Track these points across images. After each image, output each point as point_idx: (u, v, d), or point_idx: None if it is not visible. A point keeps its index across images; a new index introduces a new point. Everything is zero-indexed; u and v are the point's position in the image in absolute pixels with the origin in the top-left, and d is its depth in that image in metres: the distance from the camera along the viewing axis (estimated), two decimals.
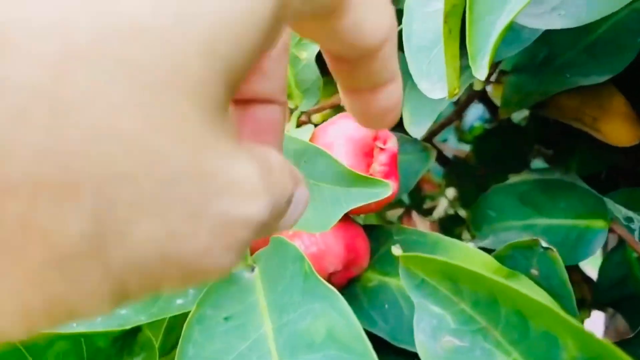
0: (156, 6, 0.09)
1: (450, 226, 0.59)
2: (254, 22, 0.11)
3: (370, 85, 0.18)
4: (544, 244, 0.33)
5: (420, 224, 0.45)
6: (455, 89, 0.25)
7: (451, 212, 0.63)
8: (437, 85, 0.27)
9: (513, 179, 0.45)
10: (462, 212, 0.69)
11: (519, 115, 0.62)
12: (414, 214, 0.44)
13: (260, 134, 0.19)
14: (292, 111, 0.38)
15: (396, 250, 0.23)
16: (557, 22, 0.25)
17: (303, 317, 0.22)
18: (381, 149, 0.32)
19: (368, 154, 0.31)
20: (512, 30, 0.30)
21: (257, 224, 0.11)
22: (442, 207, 0.70)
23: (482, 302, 0.22)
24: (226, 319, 0.25)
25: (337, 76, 0.18)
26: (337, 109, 0.52)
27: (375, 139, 0.31)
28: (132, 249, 0.09)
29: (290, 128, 0.36)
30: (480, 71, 0.23)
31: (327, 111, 0.51)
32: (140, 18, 0.09)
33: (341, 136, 0.31)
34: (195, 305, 0.25)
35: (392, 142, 0.32)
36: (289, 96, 0.38)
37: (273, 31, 0.12)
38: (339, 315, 0.22)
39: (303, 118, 0.39)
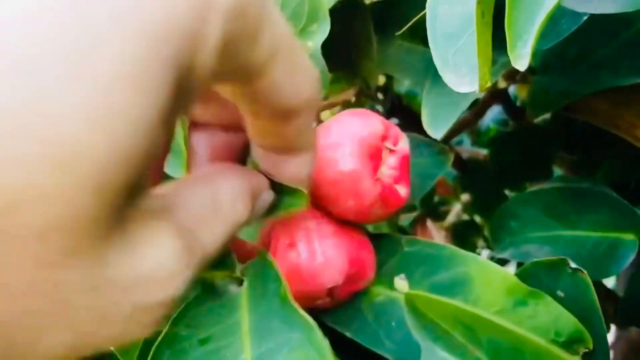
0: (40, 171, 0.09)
1: (464, 234, 0.54)
2: (144, 140, 0.10)
3: (282, 147, 0.18)
4: (573, 265, 0.29)
5: (436, 234, 0.40)
6: (487, 81, 0.21)
7: (465, 218, 0.59)
8: (465, 79, 0.23)
9: (536, 186, 0.40)
10: (477, 219, 0.65)
11: (540, 117, 0.58)
12: (429, 223, 0.40)
13: (218, 159, 0.20)
14: None
15: (400, 283, 0.19)
16: (609, 6, 0.21)
17: (281, 348, 0.19)
18: (391, 150, 0.27)
19: (376, 156, 0.27)
20: (549, 19, 0.26)
21: (175, 298, 0.12)
22: (455, 212, 0.66)
23: (503, 352, 0.17)
24: (201, 341, 0.21)
25: (250, 130, 0.18)
26: (349, 106, 0.47)
27: (385, 138, 0.27)
28: (41, 354, 0.10)
29: None
30: (521, 60, 0.19)
31: (337, 108, 0.47)
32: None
33: (346, 136, 0.26)
34: (169, 324, 0.21)
35: (403, 143, 0.28)
36: None
37: (178, 105, 0.11)
38: (315, 352, 0.18)
39: None
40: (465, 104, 0.32)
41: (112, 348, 0.22)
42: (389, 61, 0.39)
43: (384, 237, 0.31)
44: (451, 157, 0.36)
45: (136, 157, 0.10)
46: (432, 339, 0.19)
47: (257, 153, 0.19)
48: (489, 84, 0.22)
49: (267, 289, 0.21)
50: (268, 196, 0.18)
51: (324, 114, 0.44)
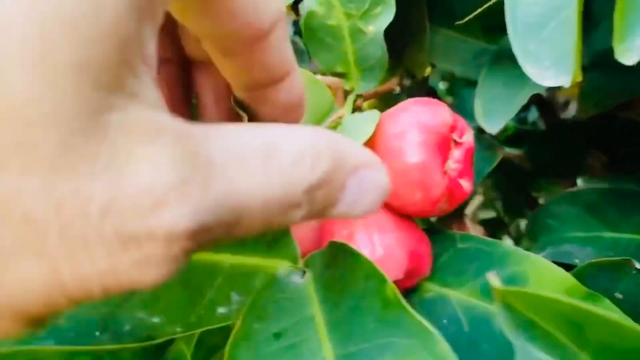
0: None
1: (491, 230, 0.54)
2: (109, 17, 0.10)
3: (267, 78, 0.16)
4: (638, 265, 0.28)
5: (472, 229, 0.40)
6: (579, 74, 0.20)
7: (489, 215, 0.58)
8: (548, 71, 0.22)
9: (580, 186, 0.39)
10: (491, 215, 0.64)
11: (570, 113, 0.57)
12: (467, 219, 0.39)
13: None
14: (347, 94, 0.33)
15: (493, 279, 0.18)
16: None
17: (379, 352, 0.17)
18: (456, 142, 0.26)
19: (444, 147, 0.26)
20: None
21: (185, 234, 0.10)
22: (472, 207, 0.65)
23: (616, 355, 0.16)
24: (276, 335, 0.20)
25: (230, 74, 0.17)
26: (385, 98, 0.46)
27: (453, 129, 0.26)
28: (11, 288, 0.09)
29: (345, 114, 0.31)
30: (630, 54, 0.17)
31: (373, 100, 0.46)
32: None
33: (414, 124, 0.25)
34: (242, 316, 0.20)
35: (468, 135, 0.27)
36: (345, 76, 0.32)
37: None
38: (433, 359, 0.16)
39: (357, 102, 0.34)
40: (522, 99, 0.31)
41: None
42: (436, 52, 0.37)
43: (437, 232, 0.30)
44: (501, 153, 0.35)
45: (103, 32, 0.09)
46: (527, 338, 0.18)
47: (240, 95, 0.18)
48: (579, 78, 0.21)
49: (352, 286, 0.20)
50: (378, 176, 0.14)
51: (364, 103, 0.42)
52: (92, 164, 0.09)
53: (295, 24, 0.45)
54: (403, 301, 0.17)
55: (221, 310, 0.21)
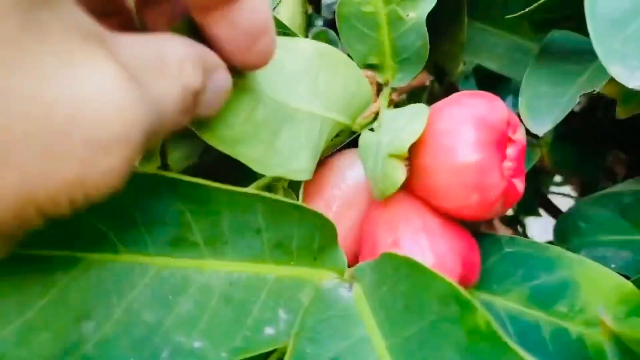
0: None
1: (514, 230, 0.51)
2: None
3: None
4: None
5: (501, 230, 0.37)
6: None
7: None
8: (636, 72, 0.19)
9: (615, 187, 0.37)
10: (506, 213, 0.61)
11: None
12: (496, 220, 0.36)
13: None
14: (381, 86, 0.30)
15: (605, 317, 0.14)
16: None
17: None
18: (509, 139, 0.23)
19: (502, 145, 0.23)
20: None
21: (133, 140, 0.11)
22: None
23: None
24: None
25: None
26: (413, 95, 0.43)
27: (508, 125, 0.23)
28: None
29: (380, 108, 0.28)
30: None
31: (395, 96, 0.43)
32: None
33: (469, 120, 0.22)
34: (293, 338, 0.17)
35: (521, 132, 0.24)
36: (379, 68, 0.29)
37: None
38: None
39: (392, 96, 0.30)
40: (573, 96, 0.28)
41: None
42: (469, 46, 0.34)
43: (481, 235, 0.27)
44: (539, 152, 0.32)
45: None
46: None
47: (205, 24, 0.15)
48: None
49: (420, 308, 0.16)
50: (225, 77, 0.15)
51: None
52: (43, 65, 0.09)
53: (314, 16, 0.42)
54: (501, 333, 0.14)
55: (269, 330, 0.17)
